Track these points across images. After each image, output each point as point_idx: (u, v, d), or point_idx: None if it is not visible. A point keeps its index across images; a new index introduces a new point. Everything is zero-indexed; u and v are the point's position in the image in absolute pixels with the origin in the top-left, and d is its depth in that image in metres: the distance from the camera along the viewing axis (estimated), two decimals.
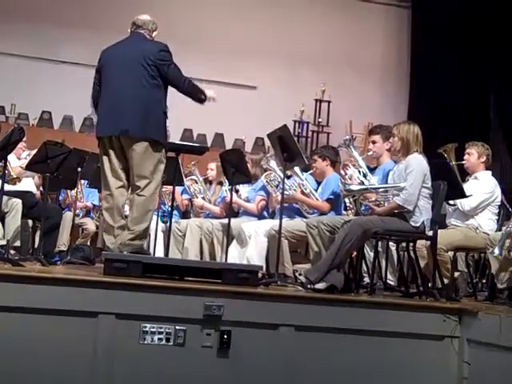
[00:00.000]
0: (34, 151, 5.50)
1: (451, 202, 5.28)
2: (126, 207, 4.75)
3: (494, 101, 9.77)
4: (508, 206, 5.88)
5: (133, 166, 4.56)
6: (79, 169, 5.73)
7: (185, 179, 6.50)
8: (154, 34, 4.80)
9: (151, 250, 5.66)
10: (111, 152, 4.62)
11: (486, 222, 5.25)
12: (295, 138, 6.06)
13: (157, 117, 4.59)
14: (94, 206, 7.51)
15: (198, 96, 4.75)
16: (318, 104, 10.09)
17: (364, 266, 5.04)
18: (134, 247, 4.52)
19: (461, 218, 5.31)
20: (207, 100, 4.79)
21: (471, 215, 5.26)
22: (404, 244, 4.80)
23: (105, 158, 4.65)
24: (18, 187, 5.73)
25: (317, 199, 5.56)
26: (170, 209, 5.51)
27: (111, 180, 4.64)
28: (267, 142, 8.07)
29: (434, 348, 4.13)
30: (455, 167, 5.75)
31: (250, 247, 5.54)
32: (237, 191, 6.06)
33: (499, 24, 9.43)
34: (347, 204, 5.79)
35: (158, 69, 4.57)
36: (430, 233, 4.63)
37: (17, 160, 5.90)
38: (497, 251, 4.51)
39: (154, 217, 5.35)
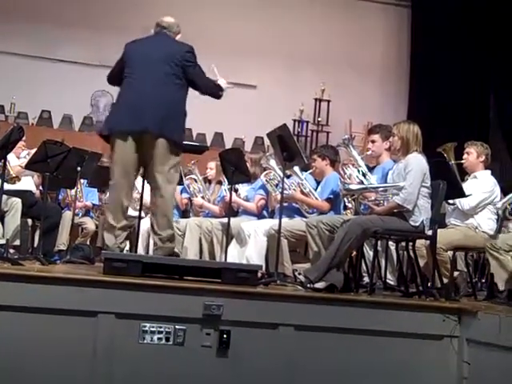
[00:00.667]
0: (34, 150, 5.50)
1: (450, 201, 5.28)
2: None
3: (494, 100, 9.77)
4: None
5: (153, 164, 4.54)
6: (79, 168, 5.73)
7: (184, 178, 6.50)
8: (178, 36, 4.82)
9: (150, 250, 5.65)
10: (126, 150, 4.56)
11: (486, 221, 5.24)
12: (295, 138, 6.06)
13: (178, 117, 4.61)
14: (94, 205, 7.51)
15: (217, 94, 4.81)
16: (318, 103, 10.09)
17: (363, 265, 5.04)
18: (165, 250, 4.57)
19: (460, 218, 5.31)
20: (224, 92, 4.84)
21: (470, 215, 5.26)
22: (403, 243, 4.80)
23: (117, 156, 4.59)
24: (18, 186, 5.72)
25: (316, 199, 5.56)
26: None
27: (120, 180, 4.60)
28: (267, 142, 8.07)
29: (433, 348, 4.13)
30: (454, 166, 5.75)
31: (250, 246, 5.54)
32: (236, 190, 6.06)
33: (499, 24, 9.43)
34: (346, 203, 5.79)
35: (183, 70, 4.60)
36: (430, 232, 4.63)
37: (16, 159, 5.89)
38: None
39: None
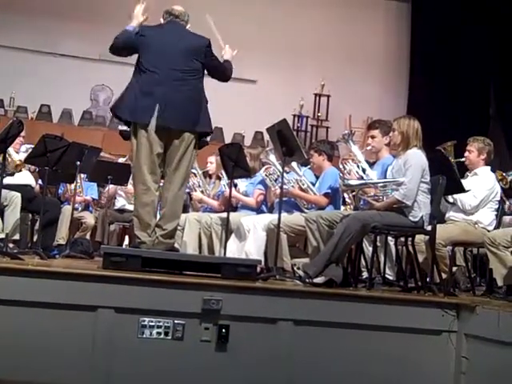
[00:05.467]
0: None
1: (451, 199, 5.27)
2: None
3: (494, 96, 9.76)
4: (507, 200, 5.87)
5: (175, 159, 4.56)
6: (78, 162, 5.72)
7: None
8: (188, 26, 4.83)
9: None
10: (152, 144, 4.53)
11: (485, 217, 5.24)
12: (294, 133, 6.05)
13: (202, 108, 4.65)
14: (93, 199, 7.52)
15: (231, 73, 4.86)
16: (318, 98, 10.08)
17: (362, 260, 5.04)
18: (167, 245, 4.57)
19: (460, 212, 5.30)
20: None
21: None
22: (403, 239, 4.80)
23: (143, 150, 4.54)
24: (17, 180, 5.73)
25: (314, 194, 5.56)
26: None
27: (148, 175, 4.56)
28: (266, 136, 8.07)
29: (431, 342, 4.14)
30: (454, 165, 5.73)
31: (249, 241, 5.55)
32: (235, 185, 6.06)
33: (500, 18, 9.41)
34: (346, 199, 5.79)
35: (203, 63, 4.65)
36: (429, 228, 4.63)
37: (15, 154, 5.89)
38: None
39: None
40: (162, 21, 4.83)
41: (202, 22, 4.88)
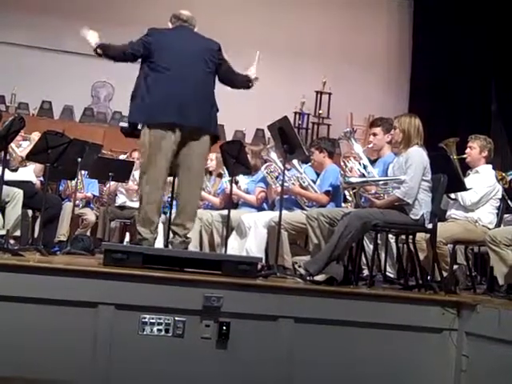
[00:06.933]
0: (34, 134, 5.50)
1: (452, 196, 5.27)
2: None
3: (496, 93, 9.75)
4: (508, 199, 5.87)
5: (192, 158, 4.58)
6: (79, 159, 5.72)
7: None
8: (195, 30, 4.84)
9: None
10: (168, 142, 4.51)
11: (486, 215, 5.24)
12: (296, 130, 6.05)
13: (215, 112, 4.68)
14: (94, 196, 7.52)
15: (248, 85, 4.88)
16: (319, 96, 10.09)
17: (363, 258, 5.04)
18: (187, 244, 4.64)
19: (461, 209, 5.30)
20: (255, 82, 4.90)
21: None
22: (403, 237, 4.80)
23: (158, 149, 4.50)
24: (19, 177, 5.73)
25: (315, 192, 5.56)
26: (169, 200, 5.50)
27: (162, 174, 4.57)
28: (267, 134, 8.06)
29: (432, 341, 4.14)
30: (456, 161, 5.73)
31: (250, 239, 5.55)
32: (236, 182, 6.06)
33: (501, 16, 9.41)
34: (347, 196, 5.78)
35: (216, 67, 4.68)
36: (430, 226, 4.63)
37: (17, 149, 5.89)
38: None
39: None
40: (169, 25, 4.82)
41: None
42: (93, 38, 4.70)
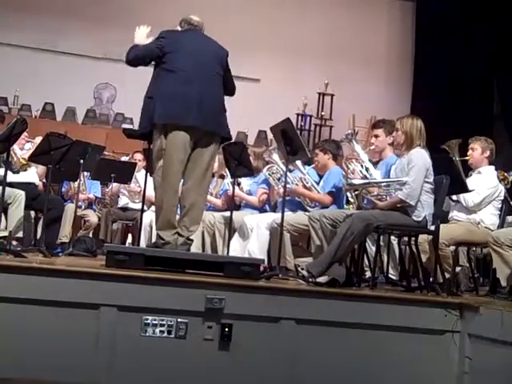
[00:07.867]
0: (38, 138, 5.49)
1: (454, 197, 5.27)
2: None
3: (498, 95, 9.74)
4: (510, 200, 5.86)
5: (204, 161, 4.61)
6: (82, 161, 5.73)
7: None
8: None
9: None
10: (185, 145, 4.51)
11: (489, 216, 5.24)
12: (298, 132, 6.05)
13: (225, 114, 4.74)
14: (96, 197, 7.52)
15: (233, 93, 4.95)
16: (321, 97, 10.08)
17: (366, 260, 5.04)
18: (189, 246, 4.64)
19: (463, 211, 5.30)
20: None
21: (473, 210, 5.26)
22: (406, 238, 4.80)
23: (176, 152, 4.49)
24: (21, 178, 5.73)
25: (318, 193, 5.56)
26: None
27: (179, 178, 4.59)
28: (270, 135, 8.07)
29: (435, 342, 4.13)
30: (459, 163, 5.73)
31: (252, 240, 5.55)
32: (238, 184, 6.06)
33: (503, 15, 9.39)
34: (349, 198, 5.78)
35: (224, 72, 4.73)
36: (432, 227, 4.63)
37: (19, 151, 5.90)
38: None
39: None
40: (179, 28, 4.82)
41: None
42: (140, 34, 4.72)
